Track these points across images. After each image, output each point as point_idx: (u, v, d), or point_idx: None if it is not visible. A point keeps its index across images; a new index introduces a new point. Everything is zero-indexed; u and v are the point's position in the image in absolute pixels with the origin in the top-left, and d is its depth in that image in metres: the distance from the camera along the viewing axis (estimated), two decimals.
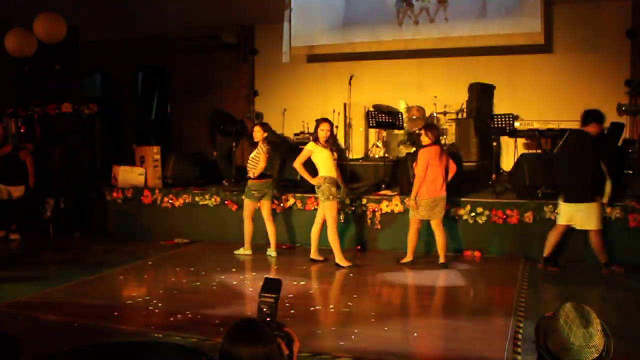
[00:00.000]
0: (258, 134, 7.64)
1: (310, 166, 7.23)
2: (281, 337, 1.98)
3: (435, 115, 10.40)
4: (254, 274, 7.11)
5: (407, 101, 10.50)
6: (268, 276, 2.18)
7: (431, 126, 7.44)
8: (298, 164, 7.16)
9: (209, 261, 7.54)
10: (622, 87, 10.17)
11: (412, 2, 10.98)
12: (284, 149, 9.62)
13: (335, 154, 7.28)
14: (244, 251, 7.80)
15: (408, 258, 7.19)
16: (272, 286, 2.13)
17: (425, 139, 7.00)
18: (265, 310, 2.08)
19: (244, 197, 7.88)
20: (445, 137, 9.96)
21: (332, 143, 7.24)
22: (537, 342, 2.03)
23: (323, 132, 7.08)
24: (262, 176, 7.61)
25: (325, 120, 7.32)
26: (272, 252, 7.72)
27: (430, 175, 6.86)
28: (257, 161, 7.58)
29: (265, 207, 7.73)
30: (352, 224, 8.14)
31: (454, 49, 10.85)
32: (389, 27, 11.29)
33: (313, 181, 7.11)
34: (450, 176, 7.07)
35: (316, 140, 7.11)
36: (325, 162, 7.08)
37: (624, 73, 10.27)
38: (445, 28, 10.95)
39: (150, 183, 9.43)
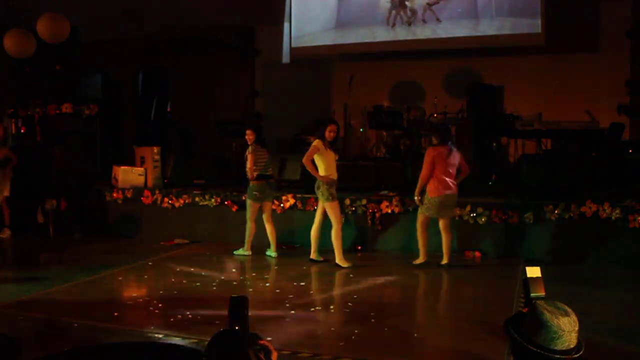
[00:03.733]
0: (250, 136, 7.63)
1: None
2: (259, 349, 1.98)
3: (435, 115, 10.40)
4: (253, 274, 7.11)
5: (407, 102, 10.51)
6: (233, 295, 2.19)
7: (439, 127, 7.48)
8: (307, 160, 7.07)
9: (208, 261, 7.54)
10: (622, 87, 10.17)
11: (404, 4, 10.99)
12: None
13: (337, 154, 7.24)
14: (244, 251, 7.79)
15: (420, 259, 7.13)
16: (239, 303, 2.15)
17: (433, 139, 7.41)
18: (237, 328, 2.10)
19: (244, 198, 7.87)
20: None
21: (335, 144, 7.23)
22: (520, 339, 2.03)
23: (331, 134, 7.03)
24: (260, 177, 7.59)
25: (333, 121, 7.32)
26: (272, 252, 7.72)
27: (437, 172, 6.88)
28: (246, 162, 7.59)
29: (266, 208, 7.73)
30: (352, 224, 8.13)
31: (455, 49, 10.86)
32: (388, 28, 11.31)
33: (321, 177, 7.04)
34: (461, 177, 7.09)
35: (322, 138, 7.04)
36: (327, 163, 7.05)
37: (624, 73, 10.27)
38: (446, 28, 10.97)
39: (150, 183, 9.42)
